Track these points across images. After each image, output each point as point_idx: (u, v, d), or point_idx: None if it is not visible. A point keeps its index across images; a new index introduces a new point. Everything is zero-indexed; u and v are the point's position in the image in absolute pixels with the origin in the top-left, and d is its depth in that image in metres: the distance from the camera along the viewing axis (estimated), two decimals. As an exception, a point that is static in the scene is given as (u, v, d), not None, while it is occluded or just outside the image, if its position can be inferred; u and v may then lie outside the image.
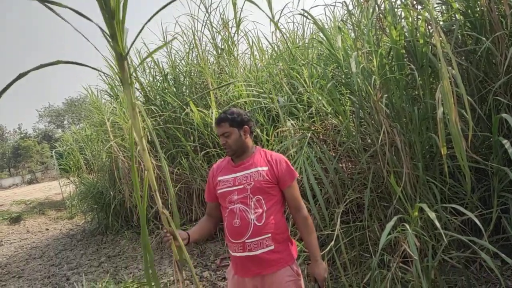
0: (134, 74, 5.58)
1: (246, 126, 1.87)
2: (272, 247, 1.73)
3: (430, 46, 2.60)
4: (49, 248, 6.89)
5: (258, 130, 3.84)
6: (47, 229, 9.07)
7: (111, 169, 6.11)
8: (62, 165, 10.08)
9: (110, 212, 6.38)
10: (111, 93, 6.12)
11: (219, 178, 1.87)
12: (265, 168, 1.79)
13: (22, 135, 49.84)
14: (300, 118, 3.47)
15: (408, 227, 1.91)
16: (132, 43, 1.60)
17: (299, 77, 3.54)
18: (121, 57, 1.57)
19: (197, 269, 4.20)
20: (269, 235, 1.73)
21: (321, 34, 3.05)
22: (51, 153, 13.70)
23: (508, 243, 2.49)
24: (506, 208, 2.42)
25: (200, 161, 4.58)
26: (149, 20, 1.58)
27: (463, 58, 2.82)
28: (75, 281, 4.52)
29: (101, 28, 1.47)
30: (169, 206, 1.71)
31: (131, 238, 6.04)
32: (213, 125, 1.96)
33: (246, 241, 1.71)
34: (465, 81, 2.64)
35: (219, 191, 1.84)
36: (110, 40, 1.52)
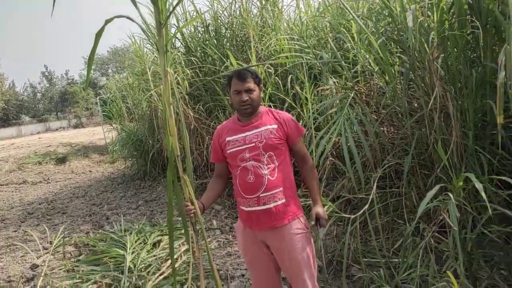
0: (176, 23, 5.52)
1: (261, 85, 1.95)
2: (284, 200, 1.80)
3: (497, 3, 2.33)
4: (92, 189, 7.35)
5: (297, 88, 3.73)
6: (90, 171, 9.64)
7: (150, 118, 6.27)
8: (105, 112, 10.51)
9: (148, 159, 6.63)
10: (153, 42, 6.12)
11: (228, 139, 1.90)
12: (275, 126, 1.86)
13: (69, 81, 52.04)
14: (343, 77, 3.31)
15: (451, 196, 1.82)
16: (170, 13, 1.59)
17: (346, 32, 3.34)
18: (160, 24, 1.59)
19: (227, 220, 4.33)
20: (281, 188, 1.80)
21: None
22: (96, 99, 14.28)
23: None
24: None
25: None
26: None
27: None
28: (114, 220, 4.82)
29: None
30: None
31: (167, 185, 6.29)
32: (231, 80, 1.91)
33: (261, 195, 1.77)
34: (533, 44, 2.37)
35: (229, 151, 1.88)
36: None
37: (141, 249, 3.60)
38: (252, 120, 1.88)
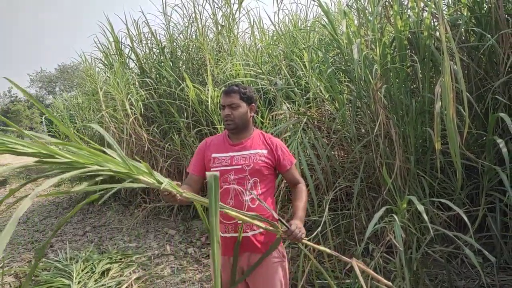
0: (130, 44, 5.45)
1: (253, 104, 1.85)
2: (262, 230, 1.71)
3: (433, 40, 2.57)
4: (34, 214, 6.86)
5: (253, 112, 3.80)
6: (33, 195, 9.00)
7: (101, 139, 6.04)
8: (51, 132, 9.97)
9: (98, 183, 6.33)
10: (106, 62, 5.99)
11: (214, 155, 1.79)
12: (265, 151, 1.77)
13: (12, 99, 48.90)
14: (296, 103, 3.44)
15: (396, 217, 1.92)
16: None
17: (298, 60, 3.49)
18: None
19: (182, 245, 4.22)
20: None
21: (325, 18, 2.99)
22: (41, 119, 13.53)
23: (490, 241, 2.53)
24: (493, 207, 2.45)
25: (192, 138, 4.54)
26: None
27: (465, 54, 2.80)
28: (59, 248, 4.52)
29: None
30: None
31: (117, 210, 6.03)
32: (221, 94, 1.83)
33: (239, 221, 1.65)
34: (465, 78, 2.62)
35: (213, 169, 1.74)
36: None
37: (88, 279, 3.39)
38: (242, 141, 1.79)
